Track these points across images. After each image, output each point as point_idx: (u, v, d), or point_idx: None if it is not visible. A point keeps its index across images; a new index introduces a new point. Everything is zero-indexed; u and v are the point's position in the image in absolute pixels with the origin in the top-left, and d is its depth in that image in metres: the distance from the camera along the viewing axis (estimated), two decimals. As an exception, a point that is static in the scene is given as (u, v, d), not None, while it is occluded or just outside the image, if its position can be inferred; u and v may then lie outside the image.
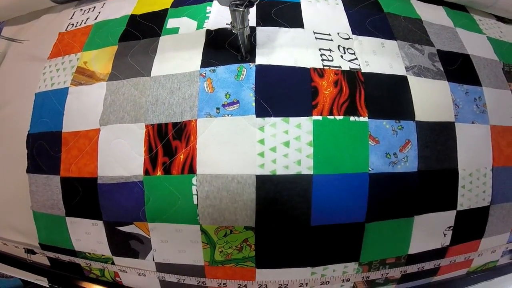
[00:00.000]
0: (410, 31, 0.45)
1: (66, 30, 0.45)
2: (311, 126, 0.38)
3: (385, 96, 0.41)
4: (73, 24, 0.45)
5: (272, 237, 0.40)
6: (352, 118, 0.39)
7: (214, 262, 0.41)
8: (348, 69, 0.41)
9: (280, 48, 0.41)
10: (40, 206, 0.44)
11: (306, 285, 0.43)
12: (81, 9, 0.45)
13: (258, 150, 0.38)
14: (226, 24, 0.42)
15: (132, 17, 0.45)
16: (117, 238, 0.42)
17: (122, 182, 0.40)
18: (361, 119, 0.39)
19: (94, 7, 0.45)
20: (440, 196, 0.42)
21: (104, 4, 0.46)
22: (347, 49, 0.42)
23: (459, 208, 0.43)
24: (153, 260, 0.42)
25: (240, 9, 0.34)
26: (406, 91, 0.42)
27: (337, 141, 0.39)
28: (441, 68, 0.44)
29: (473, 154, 0.43)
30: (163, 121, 0.40)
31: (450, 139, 0.42)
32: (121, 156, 0.40)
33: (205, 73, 0.40)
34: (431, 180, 0.41)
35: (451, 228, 0.44)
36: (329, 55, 0.41)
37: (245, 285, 0.43)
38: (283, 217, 0.39)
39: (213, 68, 0.41)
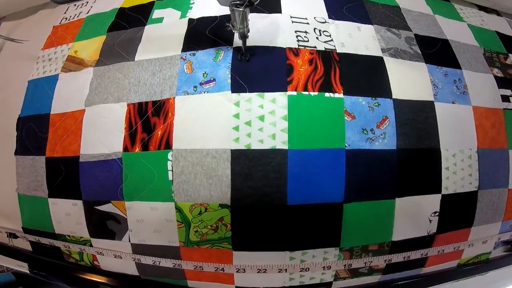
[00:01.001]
0: (387, 17, 0.47)
1: (60, 23, 0.49)
2: (286, 101, 0.39)
3: (360, 75, 0.41)
4: (66, 18, 0.49)
5: (248, 216, 0.39)
6: (327, 94, 0.40)
7: (190, 242, 0.41)
8: (323, 49, 0.42)
9: (257, 32, 0.42)
10: (25, 188, 0.45)
11: (286, 271, 0.42)
12: (75, 4, 0.49)
13: (233, 124, 0.38)
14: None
15: (121, 10, 0.48)
16: (95, 218, 0.42)
17: (102, 160, 0.41)
18: (336, 95, 0.40)
19: (87, 1, 0.49)
20: (422, 178, 0.41)
21: (94, -1, 0.49)
22: (323, 31, 0.43)
23: (444, 191, 0.42)
24: (129, 241, 0.42)
25: (240, 9, 0.35)
26: (382, 70, 0.42)
27: (312, 116, 0.39)
28: (419, 51, 0.45)
29: (456, 134, 0.42)
30: (144, 100, 0.41)
31: (430, 117, 0.42)
32: (103, 134, 0.41)
33: (185, 56, 0.42)
34: (412, 159, 0.40)
35: (437, 214, 0.42)
36: (305, 37, 0.42)
37: (222, 268, 0.42)
38: (259, 194, 0.38)
39: (193, 52, 0.42)
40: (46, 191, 0.44)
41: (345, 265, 0.42)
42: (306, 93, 0.39)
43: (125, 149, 0.40)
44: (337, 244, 0.41)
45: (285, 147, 0.38)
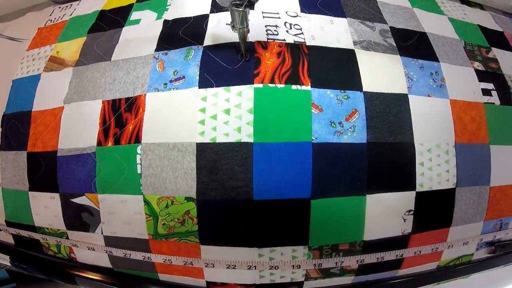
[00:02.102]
0: (363, 10, 0.46)
1: (45, 25, 0.51)
2: (252, 94, 0.39)
3: (329, 68, 0.41)
4: (51, 20, 0.51)
5: (214, 210, 0.39)
6: (293, 87, 0.40)
7: (158, 235, 0.41)
8: (293, 42, 0.42)
9: (227, 28, 0.43)
10: (8, 182, 0.47)
11: (255, 268, 0.41)
12: (60, 7, 0.51)
13: (199, 118, 0.39)
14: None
15: (102, 12, 0.50)
16: (70, 211, 0.44)
17: (78, 154, 0.42)
18: (304, 87, 0.40)
19: (71, 4, 0.51)
20: (395, 173, 0.40)
21: (80, 2, 0.51)
22: (294, 25, 0.43)
23: (418, 189, 0.40)
24: (102, 233, 0.43)
25: (240, 9, 0.35)
26: (352, 63, 0.42)
27: (278, 108, 0.39)
28: (393, 44, 0.44)
29: (432, 128, 0.41)
30: (118, 97, 0.42)
31: (403, 110, 0.41)
32: (79, 130, 0.43)
33: (158, 56, 0.43)
34: (383, 154, 0.39)
35: (412, 212, 0.41)
36: (275, 30, 0.43)
37: (191, 262, 0.42)
38: (224, 188, 0.38)
39: (165, 51, 0.43)
40: (27, 185, 0.45)
41: (315, 265, 0.41)
42: (273, 85, 0.39)
43: (99, 143, 0.41)
44: (305, 243, 0.40)
45: (251, 140, 0.38)
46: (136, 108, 0.41)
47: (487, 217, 0.44)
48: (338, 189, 0.39)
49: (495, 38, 0.48)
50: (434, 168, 0.41)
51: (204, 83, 0.40)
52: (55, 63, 0.47)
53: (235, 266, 0.41)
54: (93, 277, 0.47)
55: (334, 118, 0.39)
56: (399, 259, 0.43)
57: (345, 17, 0.45)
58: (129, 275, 0.46)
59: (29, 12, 0.52)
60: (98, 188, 0.41)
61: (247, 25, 0.38)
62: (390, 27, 0.45)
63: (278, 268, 0.41)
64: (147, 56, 0.43)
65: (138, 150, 0.40)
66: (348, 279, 0.44)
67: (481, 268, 0.47)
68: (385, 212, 0.40)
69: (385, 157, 0.39)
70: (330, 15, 0.45)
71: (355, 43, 0.43)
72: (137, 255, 0.43)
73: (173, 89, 0.40)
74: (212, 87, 0.40)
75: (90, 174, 0.42)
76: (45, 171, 0.44)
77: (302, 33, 0.43)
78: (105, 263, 0.46)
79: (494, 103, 0.44)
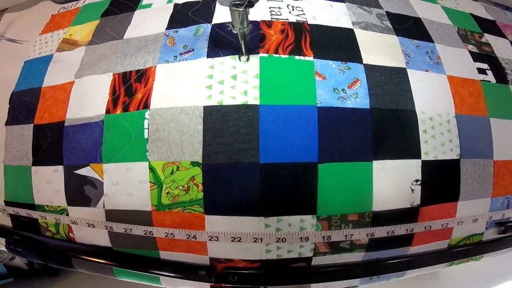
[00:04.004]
0: (360, -4, 0.50)
1: (58, 12, 0.54)
2: (258, 61, 0.41)
3: (330, 43, 0.43)
4: (64, 8, 0.54)
5: (220, 175, 0.38)
6: (297, 57, 0.41)
7: (161, 206, 0.40)
8: (295, 21, 0.45)
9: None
10: (11, 158, 0.46)
11: (261, 241, 0.40)
12: (72, -2, 0.55)
13: (206, 84, 0.40)
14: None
15: (115, -2, 0.53)
16: (73, 183, 0.43)
17: (86, 123, 0.42)
18: (307, 58, 0.41)
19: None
20: (399, 140, 0.40)
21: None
22: (295, 7, 0.46)
23: (423, 157, 0.41)
24: (103, 207, 0.42)
25: (240, 9, 0.35)
26: (352, 40, 0.44)
27: (283, 74, 0.40)
28: (390, 26, 0.47)
29: (431, 98, 0.43)
30: (128, 70, 0.44)
31: (402, 81, 0.42)
32: (88, 100, 0.43)
33: (168, 33, 0.45)
34: (387, 120, 0.40)
35: (419, 182, 0.41)
36: (278, 11, 0.45)
37: (194, 235, 0.40)
38: (230, 150, 0.38)
39: (176, 29, 0.46)
40: (31, 159, 0.45)
41: (323, 237, 0.40)
42: (277, 55, 0.41)
43: (107, 111, 0.42)
44: (313, 211, 0.39)
45: (257, 102, 0.39)
46: (146, 78, 0.42)
47: (493, 194, 0.44)
48: (344, 153, 0.39)
49: (487, 26, 0.52)
50: (437, 136, 0.41)
51: (212, 54, 0.42)
52: (68, 44, 0.49)
53: (240, 238, 0.40)
54: (91, 258, 0.45)
55: (337, 85, 0.41)
56: (409, 235, 0.42)
57: (344, 2, 0.48)
58: (128, 255, 0.44)
59: (42, 2, 0.55)
60: (104, 157, 0.41)
61: (247, 25, 0.39)
62: (386, 11, 0.48)
63: (285, 240, 0.40)
64: (158, 34, 0.45)
65: (146, 115, 0.40)
66: (358, 256, 0.42)
67: (492, 249, 0.46)
68: (392, 180, 0.40)
69: (388, 123, 0.40)
70: (329, 0, 0.48)
71: (353, 23, 0.46)
72: (139, 230, 0.41)
73: (183, 60, 0.42)
74: (220, 56, 0.41)
75: (96, 142, 0.42)
76: (51, 143, 0.44)
77: (304, 13, 0.46)
78: (105, 241, 0.44)
79: (490, 81, 0.46)
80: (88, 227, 0.43)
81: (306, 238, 0.40)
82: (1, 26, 0.56)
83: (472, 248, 0.45)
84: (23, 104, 0.47)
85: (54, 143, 0.44)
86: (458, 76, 0.45)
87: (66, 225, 0.45)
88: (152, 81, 0.42)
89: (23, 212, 0.46)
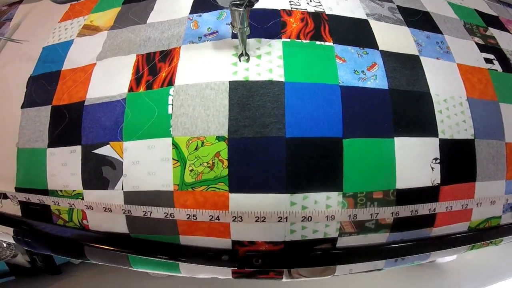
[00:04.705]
0: (371, -9, 0.53)
1: (77, 1, 0.55)
2: (281, 45, 0.42)
3: (348, 31, 0.45)
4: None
5: (246, 150, 0.38)
6: (318, 42, 0.43)
7: (184, 185, 0.39)
8: (313, 11, 0.47)
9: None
10: (25, 141, 0.45)
11: (286, 220, 0.39)
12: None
13: (231, 61, 0.41)
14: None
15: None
16: (90, 164, 0.42)
17: (107, 102, 0.42)
18: (327, 43, 0.43)
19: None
20: (417, 118, 0.42)
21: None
22: (312, -1, 0.49)
23: (440, 135, 0.42)
24: (122, 189, 0.41)
25: (240, 9, 0.36)
26: (367, 29, 0.46)
27: (305, 57, 0.42)
28: (401, 18, 0.50)
29: (444, 83, 0.44)
30: (152, 51, 0.44)
31: (416, 67, 0.44)
32: (110, 80, 0.43)
33: (192, 17, 0.47)
34: (404, 99, 0.42)
35: (438, 160, 0.41)
36: (297, 2, 0.48)
37: (218, 216, 0.39)
38: (257, 124, 0.38)
39: (199, 14, 0.47)
40: (46, 141, 0.44)
41: (349, 216, 0.40)
42: (299, 40, 0.43)
43: (130, 90, 0.42)
44: (339, 188, 0.39)
45: (282, 79, 0.40)
46: (170, 58, 0.43)
47: (507, 176, 0.45)
48: (367, 129, 0.40)
49: (491, 20, 0.55)
50: (452, 117, 0.43)
51: (236, 36, 0.43)
52: (89, 29, 0.50)
53: (265, 218, 0.39)
54: (105, 246, 0.43)
55: (356, 68, 0.42)
56: (432, 215, 0.42)
57: (357, -4, 0.51)
58: (146, 242, 0.42)
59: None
60: (125, 134, 0.41)
61: (247, 25, 0.39)
62: (397, 5, 0.51)
63: (311, 219, 0.39)
64: (182, 18, 0.47)
65: (171, 92, 0.40)
66: (383, 237, 0.41)
67: (510, 233, 0.46)
68: (413, 158, 0.41)
69: (406, 103, 0.42)
70: (343, -6, 0.51)
71: (367, 15, 0.48)
72: (159, 212, 0.40)
73: (207, 40, 0.43)
74: (244, 38, 0.43)
75: (117, 120, 0.41)
76: (69, 122, 0.43)
77: (321, 5, 0.48)
78: (121, 227, 0.42)
79: (497, 70, 0.49)
80: (104, 212, 0.42)
81: (332, 217, 0.39)
82: (17, 17, 0.57)
83: (491, 231, 0.45)
84: (41, 87, 0.47)
85: (73, 123, 0.43)
86: (467, 64, 0.47)
87: (80, 211, 0.43)
88: (177, 60, 0.42)
89: (34, 198, 0.44)
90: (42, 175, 0.44)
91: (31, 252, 0.66)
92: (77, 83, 0.45)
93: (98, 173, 0.42)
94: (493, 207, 0.45)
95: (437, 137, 0.42)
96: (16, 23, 0.55)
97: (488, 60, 0.49)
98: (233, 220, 0.39)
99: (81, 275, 0.72)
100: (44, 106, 0.45)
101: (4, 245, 0.61)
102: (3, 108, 0.48)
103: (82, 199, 0.42)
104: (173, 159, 0.39)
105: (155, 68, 0.43)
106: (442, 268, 0.72)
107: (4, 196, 0.46)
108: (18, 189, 0.45)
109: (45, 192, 0.44)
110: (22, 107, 0.47)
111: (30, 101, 0.46)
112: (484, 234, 0.45)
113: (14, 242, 0.46)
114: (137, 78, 0.43)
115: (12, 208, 0.46)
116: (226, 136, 0.38)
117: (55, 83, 0.46)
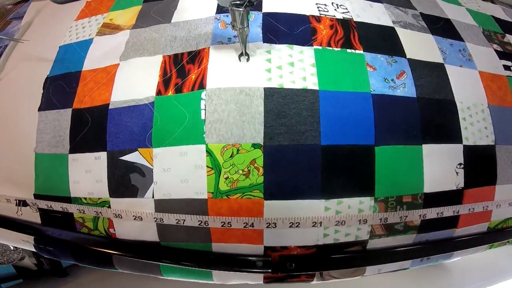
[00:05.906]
0: (395, -1, 0.53)
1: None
2: (313, 52, 0.42)
3: (376, 38, 0.46)
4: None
5: (281, 157, 0.38)
6: (349, 50, 0.43)
7: (219, 193, 0.39)
8: (342, 18, 0.47)
9: (283, 2, 0.47)
10: (44, 146, 0.43)
11: (320, 225, 0.40)
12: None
13: (265, 67, 0.40)
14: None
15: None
16: (118, 172, 0.40)
17: (133, 105, 0.41)
18: (357, 51, 0.43)
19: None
20: (444, 125, 0.43)
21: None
22: (340, 5, 0.49)
23: (464, 142, 0.43)
24: (153, 197, 0.40)
25: (240, 9, 0.36)
26: (395, 36, 0.47)
27: (337, 65, 0.42)
28: (425, 26, 0.50)
29: (467, 91, 0.46)
30: (180, 52, 0.43)
31: (442, 75, 0.45)
32: (136, 82, 0.42)
33: (219, 17, 0.46)
34: (432, 107, 0.43)
35: (462, 166, 0.43)
36: (325, 8, 0.48)
37: (252, 223, 0.39)
38: (292, 132, 0.38)
39: (226, 14, 0.46)
40: (68, 147, 0.42)
41: (380, 219, 0.41)
42: (330, 48, 0.43)
43: (158, 93, 0.41)
44: (372, 193, 0.40)
45: (316, 88, 0.40)
46: (199, 59, 0.42)
47: (525, 179, 0.47)
48: (398, 137, 0.40)
49: (508, 27, 0.56)
50: (474, 124, 0.44)
51: (267, 40, 0.43)
52: (109, 28, 0.48)
53: (299, 224, 0.39)
54: (136, 256, 0.41)
55: (387, 76, 0.43)
56: (455, 216, 0.43)
57: (381, 3, 0.51)
58: (178, 250, 0.41)
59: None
60: (154, 140, 0.40)
61: (247, 25, 0.39)
62: (420, 12, 0.52)
63: (344, 223, 0.40)
64: (209, 18, 0.46)
65: (203, 96, 0.39)
66: (410, 238, 0.43)
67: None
68: (439, 163, 0.42)
69: (433, 110, 0.43)
70: (368, 0, 0.51)
71: (393, 22, 0.49)
72: (193, 220, 0.39)
73: (237, 42, 0.42)
74: (276, 43, 0.42)
75: (146, 125, 0.40)
76: (92, 127, 0.42)
77: (348, 11, 0.48)
78: (151, 236, 0.41)
79: (514, 77, 0.50)
80: (134, 220, 0.41)
81: (365, 221, 0.40)
82: (29, 14, 0.54)
83: (509, 231, 0.47)
84: (59, 89, 0.45)
85: (97, 127, 0.41)
86: (488, 72, 0.48)
87: (107, 219, 0.42)
88: (206, 61, 0.41)
89: (57, 206, 0.42)
90: (64, 182, 0.42)
91: (38, 254, 0.64)
92: (100, 85, 0.43)
93: (126, 181, 0.40)
94: (511, 208, 0.47)
95: (462, 143, 0.43)
96: (28, 21, 0.52)
97: (506, 67, 0.50)
98: (267, 227, 0.39)
99: (87, 277, 0.72)
100: (64, 109, 0.43)
101: (11, 248, 0.59)
102: (17, 110, 0.46)
103: (109, 207, 0.41)
104: (207, 166, 0.39)
105: (183, 70, 0.41)
106: (446, 267, 0.74)
107: (24, 203, 0.44)
108: (37, 196, 0.43)
109: (68, 199, 0.42)
110: (40, 109, 0.44)
111: (48, 104, 0.44)
112: (503, 233, 0.47)
113: (34, 250, 0.45)
114: (165, 81, 0.41)
115: (30, 215, 0.44)
116: (262, 144, 0.38)
117: (75, 85, 0.44)
